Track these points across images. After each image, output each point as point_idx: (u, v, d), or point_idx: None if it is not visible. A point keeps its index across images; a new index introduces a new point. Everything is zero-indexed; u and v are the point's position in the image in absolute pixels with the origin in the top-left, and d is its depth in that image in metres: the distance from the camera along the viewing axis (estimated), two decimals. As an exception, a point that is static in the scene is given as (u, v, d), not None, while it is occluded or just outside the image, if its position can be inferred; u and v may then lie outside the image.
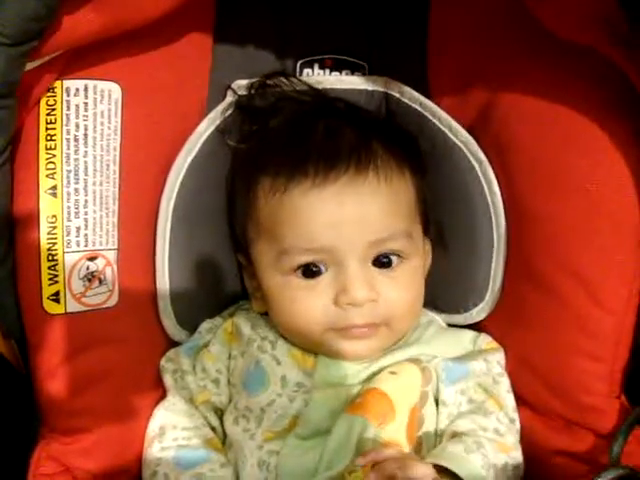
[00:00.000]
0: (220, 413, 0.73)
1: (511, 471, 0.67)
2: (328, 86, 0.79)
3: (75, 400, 0.67)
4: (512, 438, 0.69)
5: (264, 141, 0.74)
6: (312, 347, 0.71)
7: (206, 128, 0.76)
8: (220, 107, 0.77)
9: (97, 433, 0.68)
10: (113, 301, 0.69)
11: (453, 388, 0.70)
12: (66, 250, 0.65)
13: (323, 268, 0.68)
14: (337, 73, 0.80)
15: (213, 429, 0.72)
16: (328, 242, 0.67)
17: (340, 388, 0.69)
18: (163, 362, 0.75)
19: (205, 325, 0.76)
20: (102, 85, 0.66)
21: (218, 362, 0.73)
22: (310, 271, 0.68)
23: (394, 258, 0.69)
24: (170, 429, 0.70)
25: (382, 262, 0.69)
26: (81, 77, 0.65)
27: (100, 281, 0.67)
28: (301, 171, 0.67)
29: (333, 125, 0.72)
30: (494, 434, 0.68)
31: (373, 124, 0.75)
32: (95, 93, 0.66)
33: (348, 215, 0.67)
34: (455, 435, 0.68)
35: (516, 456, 0.68)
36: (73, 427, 0.67)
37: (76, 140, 0.65)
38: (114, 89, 0.67)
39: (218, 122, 0.76)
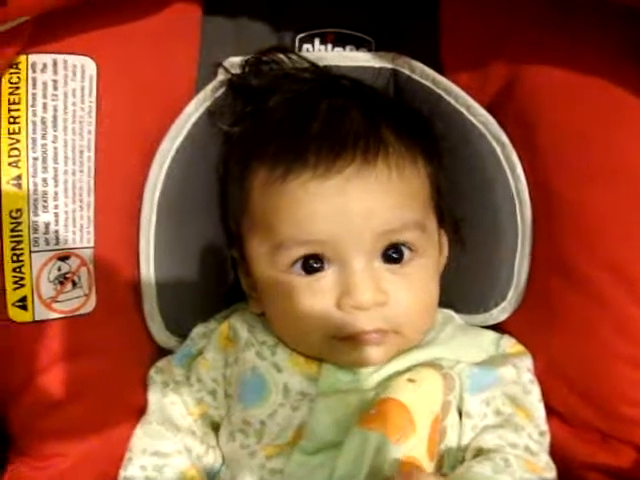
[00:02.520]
0: (218, 430, 0.70)
1: None
2: (330, 63, 0.74)
3: (47, 420, 0.64)
4: (545, 457, 0.65)
5: (260, 124, 0.69)
6: (315, 354, 0.66)
7: (195, 110, 0.71)
8: (210, 86, 0.72)
9: (73, 456, 0.65)
10: (90, 307, 0.65)
11: (479, 397, 0.65)
12: (33, 249, 0.62)
13: (325, 264, 0.63)
14: (340, 49, 0.76)
15: (213, 446, 0.69)
16: (329, 234, 0.62)
17: (348, 395, 0.64)
18: (152, 373, 0.71)
19: (198, 330, 0.72)
20: (74, 60, 0.62)
21: (214, 370, 0.69)
22: (310, 266, 0.63)
23: (406, 251, 0.65)
24: (138, 454, 0.67)
25: (392, 256, 0.64)
26: (49, 51, 0.61)
27: (74, 284, 0.64)
28: (301, 160, 0.63)
29: (337, 106, 0.67)
30: (525, 452, 0.63)
31: (382, 105, 0.70)
32: (66, 69, 0.62)
33: (353, 207, 0.62)
34: (481, 451, 0.63)
35: (548, 477, 0.63)
36: (45, 450, 0.64)
37: (44, 123, 0.61)
38: (88, 64, 0.63)
39: (208, 103, 0.71)
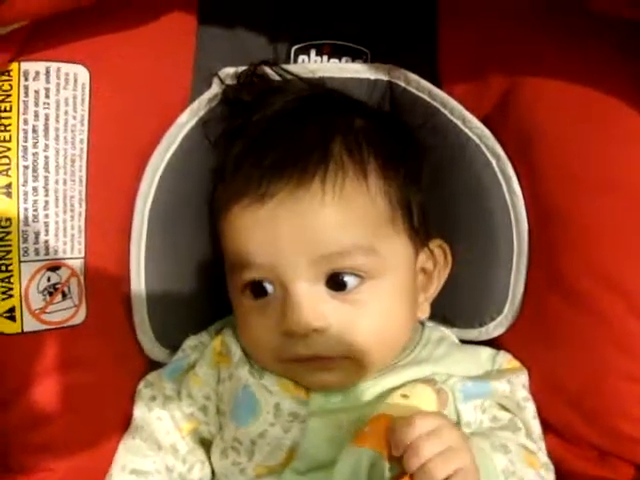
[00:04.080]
0: (208, 445, 0.69)
1: None
2: (326, 74, 0.73)
3: (35, 434, 0.63)
4: (544, 457, 0.65)
5: (233, 143, 0.68)
6: (281, 374, 0.65)
7: (188, 120, 0.70)
8: (205, 97, 0.71)
9: (60, 471, 0.64)
10: (80, 318, 0.64)
11: (472, 404, 0.64)
12: (22, 259, 0.61)
13: (270, 288, 0.62)
14: (336, 60, 0.75)
15: (202, 462, 0.68)
16: (266, 260, 0.61)
17: (340, 414, 0.63)
18: (141, 387, 0.70)
19: (189, 342, 0.71)
20: (67, 68, 0.62)
21: (206, 387, 0.68)
22: (257, 289, 0.63)
23: (350, 278, 0.62)
24: (118, 471, 0.66)
25: (336, 283, 0.62)
26: (42, 59, 0.61)
27: (64, 295, 0.63)
28: (247, 184, 0.62)
29: (301, 124, 0.66)
30: (523, 449, 0.63)
31: (350, 118, 0.67)
32: (58, 77, 0.62)
33: (285, 231, 0.61)
34: None
35: (546, 477, 0.63)
36: (31, 465, 0.63)
37: (35, 131, 0.61)
38: (80, 73, 0.63)
39: (202, 113, 0.71)
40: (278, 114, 0.67)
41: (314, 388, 0.64)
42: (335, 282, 0.61)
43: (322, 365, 0.62)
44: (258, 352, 0.65)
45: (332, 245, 0.61)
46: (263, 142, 0.65)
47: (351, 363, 0.63)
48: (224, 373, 0.68)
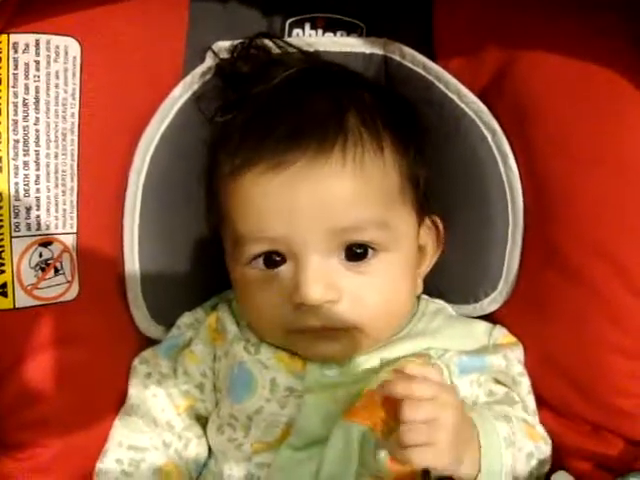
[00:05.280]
0: (205, 422, 0.69)
1: (535, 465, 0.62)
2: (321, 48, 0.73)
3: (29, 410, 0.62)
4: (541, 430, 0.65)
5: (234, 114, 0.68)
6: (282, 345, 0.65)
7: (181, 94, 0.69)
8: (198, 70, 0.70)
9: (55, 447, 0.63)
10: (73, 294, 0.63)
11: (467, 378, 0.65)
12: (14, 234, 0.60)
13: (284, 259, 0.62)
14: (331, 34, 0.74)
15: (198, 437, 0.68)
16: (280, 231, 0.61)
17: (336, 389, 0.64)
18: (136, 363, 0.70)
19: (185, 319, 0.71)
20: (57, 40, 0.60)
21: (202, 364, 0.68)
22: (270, 260, 0.62)
23: (362, 251, 0.62)
24: (115, 447, 0.66)
25: (349, 255, 0.62)
26: (32, 31, 0.59)
27: (56, 270, 0.62)
28: (258, 152, 0.61)
29: (309, 94, 0.65)
30: (523, 422, 0.64)
31: (359, 91, 0.68)
32: (48, 50, 0.60)
33: (303, 201, 0.60)
34: None
35: (545, 450, 0.64)
36: (26, 441, 0.63)
37: (25, 105, 0.59)
38: (71, 45, 0.61)
39: (195, 87, 0.70)
40: (282, 85, 0.67)
41: (315, 359, 0.64)
42: (348, 254, 0.62)
43: (330, 335, 0.62)
44: (263, 323, 0.64)
45: (349, 219, 0.61)
46: (271, 111, 0.64)
47: (358, 333, 0.63)
48: (220, 350, 0.68)
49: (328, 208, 0.60)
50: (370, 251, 0.62)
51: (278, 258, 0.62)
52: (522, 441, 0.61)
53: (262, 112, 0.65)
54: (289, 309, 0.62)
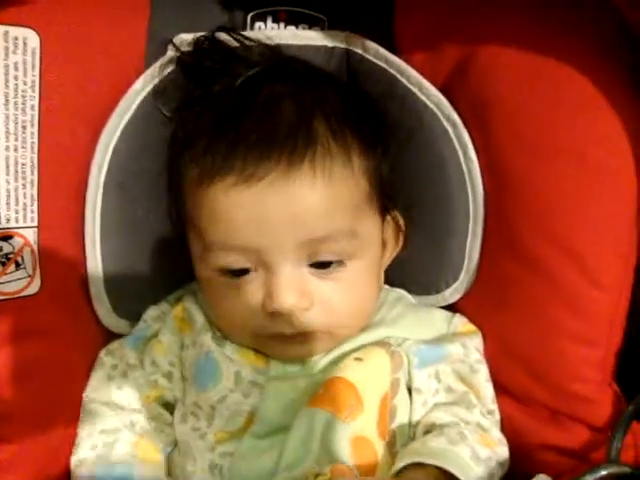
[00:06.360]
0: (173, 410, 0.69)
1: (495, 467, 0.62)
2: (283, 41, 0.72)
3: None
4: (497, 433, 0.65)
5: (198, 113, 0.66)
6: (249, 345, 0.66)
7: (143, 87, 0.69)
8: (160, 63, 0.70)
9: (18, 443, 0.62)
10: (34, 288, 0.63)
11: (425, 371, 0.65)
12: None
13: (252, 267, 0.62)
14: (293, 27, 0.74)
15: (169, 425, 0.68)
16: (251, 242, 0.60)
17: (298, 379, 0.65)
18: (102, 355, 0.69)
19: (151, 312, 0.71)
20: (15, 32, 0.59)
21: (170, 354, 0.68)
22: (236, 269, 0.62)
23: (332, 260, 0.63)
24: (85, 437, 0.65)
25: (319, 264, 0.62)
26: None
27: (17, 265, 0.62)
28: (229, 162, 0.60)
29: (274, 97, 0.65)
30: (477, 428, 0.64)
31: (323, 89, 0.67)
32: (7, 41, 0.59)
33: (274, 214, 0.60)
34: (434, 427, 0.63)
35: (501, 452, 0.64)
36: None
37: None
38: (30, 37, 0.60)
39: (157, 80, 0.69)
40: (246, 86, 0.66)
41: (283, 359, 0.64)
42: (318, 263, 0.62)
43: (300, 340, 0.63)
44: (233, 328, 0.65)
45: (318, 230, 0.61)
46: (238, 116, 0.63)
47: (327, 336, 0.64)
48: (187, 340, 0.68)
49: (299, 220, 0.60)
50: (337, 260, 0.62)
51: (244, 267, 0.62)
52: (480, 452, 0.61)
53: (228, 116, 0.64)
54: (260, 316, 0.62)
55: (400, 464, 0.58)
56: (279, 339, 0.63)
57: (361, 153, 0.65)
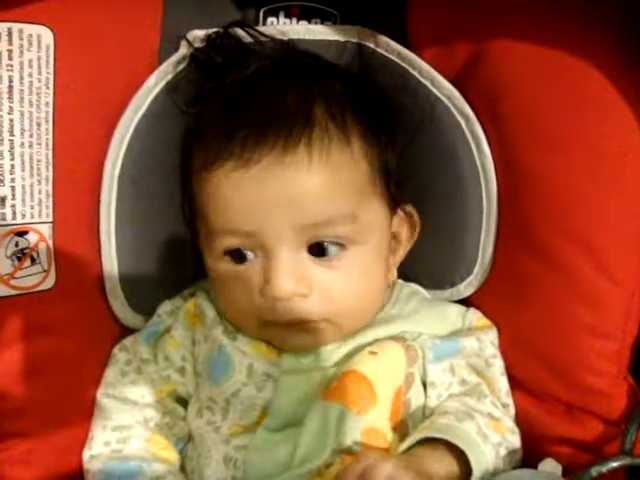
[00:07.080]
0: (186, 405, 0.69)
1: (506, 455, 0.62)
2: (295, 37, 0.72)
3: (6, 399, 0.61)
4: (509, 422, 0.65)
5: (208, 104, 0.67)
6: (257, 336, 0.66)
7: (156, 83, 0.69)
8: (172, 59, 0.70)
9: (32, 438, 0.63)
10: (49, 283, 0.63)
11: (440, 366, 0.65)
12: None
13: (251, 254, 0.62)
14: (305, 22, 0.74)
15: (182, 419, 0.68)
16: (251, 226, 0.60)
17: (312, 372, 0.64)
18: (116, 351, 0.69)
19: (165, 307, 0.71)
20: (30, 29, 0.60)
21: (182, 348, 0.68)
22: (238, 255, 0.62)
23: (331, 247, 0.62)
24: (99, 432, 0.65)
25: (319, 250, 0.62)
26: (4, 19, 0.59)
27: (32, 260, 0.62)
28: (228, 148, 0.61)
29: (279, 87, 0.65)
30: (488, 416, 0.64)
31: (330, 80, 0.67)
32: (21, 39, 0.59)
33: (272, 198, 0.60)
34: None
35: (512, 440, 0.64)
36: (4, 431, 0.62)
37: None
38: (45, 34, 0.61)
39: (170, 77, 0.69)
40: (254, 76, 0.66)
41: (289, 349, 0.64)
42: (318, 249, 0.61)
43: (300, 328, 0.63)
44: (237, 316, 0.65)
45: (318, 214, 0.60)
46: (241, 104, 0.64)
47: (329, 326, 0.63)
48: (199, 335, 0.68)
49: (297, 204, 0.60)
50: (333, 248, 0.62)
51: (250, 253, 0.62)
52: (490, 435, 0.61)
53: (232, 105, 0.64)
54: (261, 302, 0.62)
55: (408, 442, 0.59)
56: (282, 328, 0.63)
57: (362, 137, 0.64)
